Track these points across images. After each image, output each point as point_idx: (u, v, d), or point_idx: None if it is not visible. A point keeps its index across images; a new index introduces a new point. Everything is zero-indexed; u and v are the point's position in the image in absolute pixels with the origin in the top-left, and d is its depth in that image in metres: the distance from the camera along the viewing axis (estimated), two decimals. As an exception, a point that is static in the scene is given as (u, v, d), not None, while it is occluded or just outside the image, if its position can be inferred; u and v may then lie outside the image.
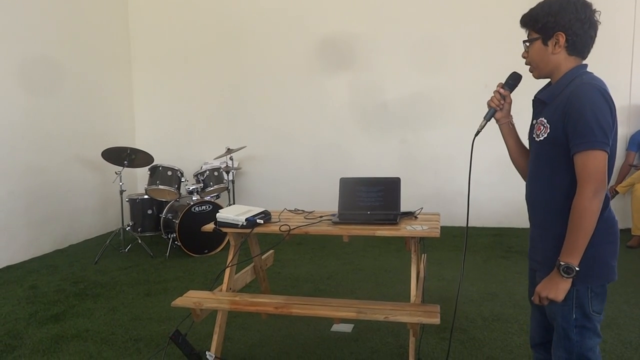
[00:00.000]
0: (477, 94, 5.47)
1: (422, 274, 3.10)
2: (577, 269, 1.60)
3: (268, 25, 6.49)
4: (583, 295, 1.67)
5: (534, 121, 1.79)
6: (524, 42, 1.77)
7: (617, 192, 5.38)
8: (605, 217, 1.67)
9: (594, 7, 1.68)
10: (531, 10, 1.74)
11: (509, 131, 1.93)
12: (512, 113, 1.96)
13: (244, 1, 6.53)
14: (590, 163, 1.57)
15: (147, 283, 4.33)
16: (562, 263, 1.61)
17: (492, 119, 1.94)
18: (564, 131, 1.63)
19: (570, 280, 1.62)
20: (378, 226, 2.73)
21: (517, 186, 5.57)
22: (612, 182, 5.64)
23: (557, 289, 1.63)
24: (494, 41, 5.79)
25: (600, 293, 1.70)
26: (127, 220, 5.60)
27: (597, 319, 1.70)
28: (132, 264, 4.91)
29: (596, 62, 6.09)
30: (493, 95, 1.91)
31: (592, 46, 1.72)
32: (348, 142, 6.41)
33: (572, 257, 1.60)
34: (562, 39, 1.67)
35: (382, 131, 6.31)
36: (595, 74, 1.73)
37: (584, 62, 1.74)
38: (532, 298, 1.74)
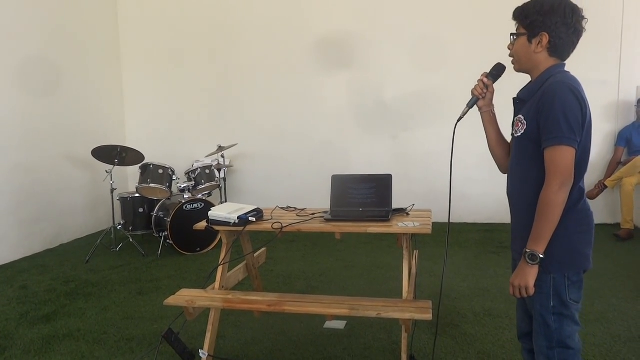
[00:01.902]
0: (470, 92, 5.48)
1: (413, 271, 3.11)
2: (541, 256, 1.69)
3: (260, 22, 6.47)
4: (560, 284, 1.74)
5: (514, 119, 1.87)
6: (511, 34, 1.84)
7: (605, 187, 5.43)
8: (580, 208, 1.75)
9: (582, 14, 1.74)
10: (524, 4, 1.80)
11: (489, 120, 2.01)
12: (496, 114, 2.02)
13: (234, -2, 6.51)
14: (557, 158, 1.65)
15: (139, 282, 4.32)
16: (527, 250, 1.71)
17: (475, 107, 2.02)
18: (538, 127, 1.71)
19: (537, 267, 1.71)
20: (370, 223, 2.74)
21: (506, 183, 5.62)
22: (600, 176, 5.70)
23: (524, 275, 1.72)
24: (490, 40, 5.80)
25: (577, 281, 1.76)
26: (118, 219, 5.57)
27: (575, 307, 1.77)
28: (123, 263, 4.89)
29: (585, 59, 6.10)
30: (477, 84, 1.99)
31: (572, 51, 1.79)
32: (340, 139, 6.42)
33: (537, 245, 1.69)
34: (545, 39, 1.74)
35: (376, 128, 6.32)
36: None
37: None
38: (509, 292, 1.81)
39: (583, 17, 1.74)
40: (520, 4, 1.81)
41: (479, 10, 5.91)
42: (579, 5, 1.74)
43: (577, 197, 1.74)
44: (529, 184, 1.78)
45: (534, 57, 1.78)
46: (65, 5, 5.88)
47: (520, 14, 1.80)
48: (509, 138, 2.00)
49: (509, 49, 1.86)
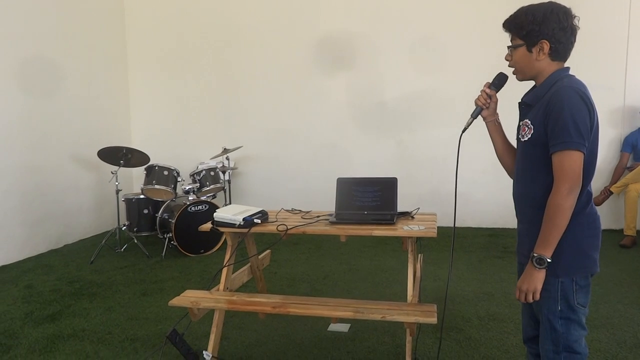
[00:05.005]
0: (474, 94, 5.49)
1: (418, 274, 3.11)
2: (548, 260, 1.69)
3: (265, 24, 6.50)
4: (568, 288, 1.75)
5: (520, 123, 1.87)
6: (508, 47, 1.84)
7: (611, 193, 5.42)
8: (588, 212, 1.75)
9: (573, 13, 1.76)
10: (515, 16, 1.79)
11: (495, 128, 2.02)
12: (500, 114, 2.03)
13: (240, 0, 6.54)
14: (566, 162, 1.65)
15: (143, 283, 4.33)
16: (535, 254, 1.71)
17: (479, 117, 2.03)
18: (545, 132, 1.71)
19: (544, 271, 1.71)
20: (375, 226, 2.74)
21: (512, 187, 5.61)
22: (606, 182, 5.68)
23: (532, 279, 1.72)
24: (492, 41, 5.82)
25: (585, 285, 1.77)
26: (123, 220, 5.59)
27: (582, 312, 1.77)
28: (128, 264, 4.90)
29: (591, 65, 6.08)
30: (480, 94, 1.99)
31: (572, 50, 1.79)
32: (345, 141, 6.42)
33: (545, 249, 1.69)
34: (546, 46, 1.74)
35: (380, 131, 6.33)
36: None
37: (566, 65, 1.81)
38: (516, 296, 1.81)
39: (574, 16, 1.75)
40: (514, 11, 1.80)
41: (480, 12, 5.90)
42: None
43: (585, 201, 1.74)
44: (535, 187, 1.78)
45: (537, 65, 1.78)
46: (72, 7, 5.92)
47: (513, 26, 1.79)
48: (513, 142, 2.00)
49: (507, 59, 1.86)
